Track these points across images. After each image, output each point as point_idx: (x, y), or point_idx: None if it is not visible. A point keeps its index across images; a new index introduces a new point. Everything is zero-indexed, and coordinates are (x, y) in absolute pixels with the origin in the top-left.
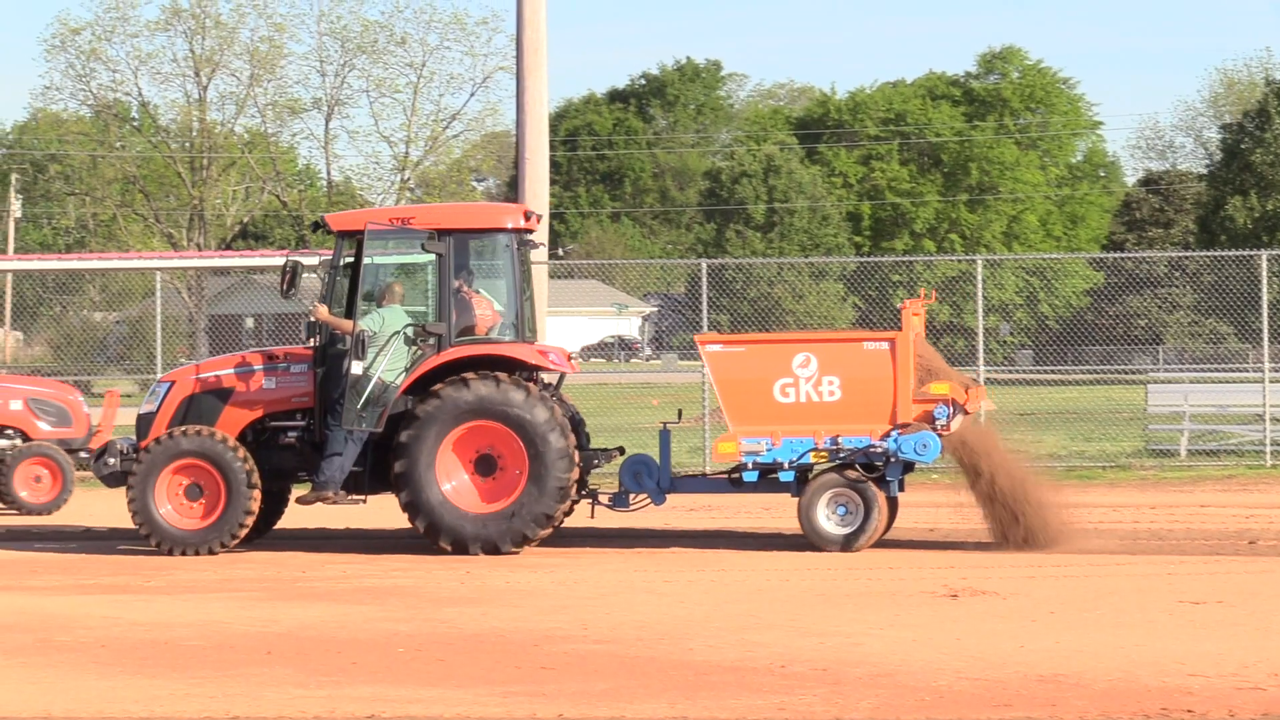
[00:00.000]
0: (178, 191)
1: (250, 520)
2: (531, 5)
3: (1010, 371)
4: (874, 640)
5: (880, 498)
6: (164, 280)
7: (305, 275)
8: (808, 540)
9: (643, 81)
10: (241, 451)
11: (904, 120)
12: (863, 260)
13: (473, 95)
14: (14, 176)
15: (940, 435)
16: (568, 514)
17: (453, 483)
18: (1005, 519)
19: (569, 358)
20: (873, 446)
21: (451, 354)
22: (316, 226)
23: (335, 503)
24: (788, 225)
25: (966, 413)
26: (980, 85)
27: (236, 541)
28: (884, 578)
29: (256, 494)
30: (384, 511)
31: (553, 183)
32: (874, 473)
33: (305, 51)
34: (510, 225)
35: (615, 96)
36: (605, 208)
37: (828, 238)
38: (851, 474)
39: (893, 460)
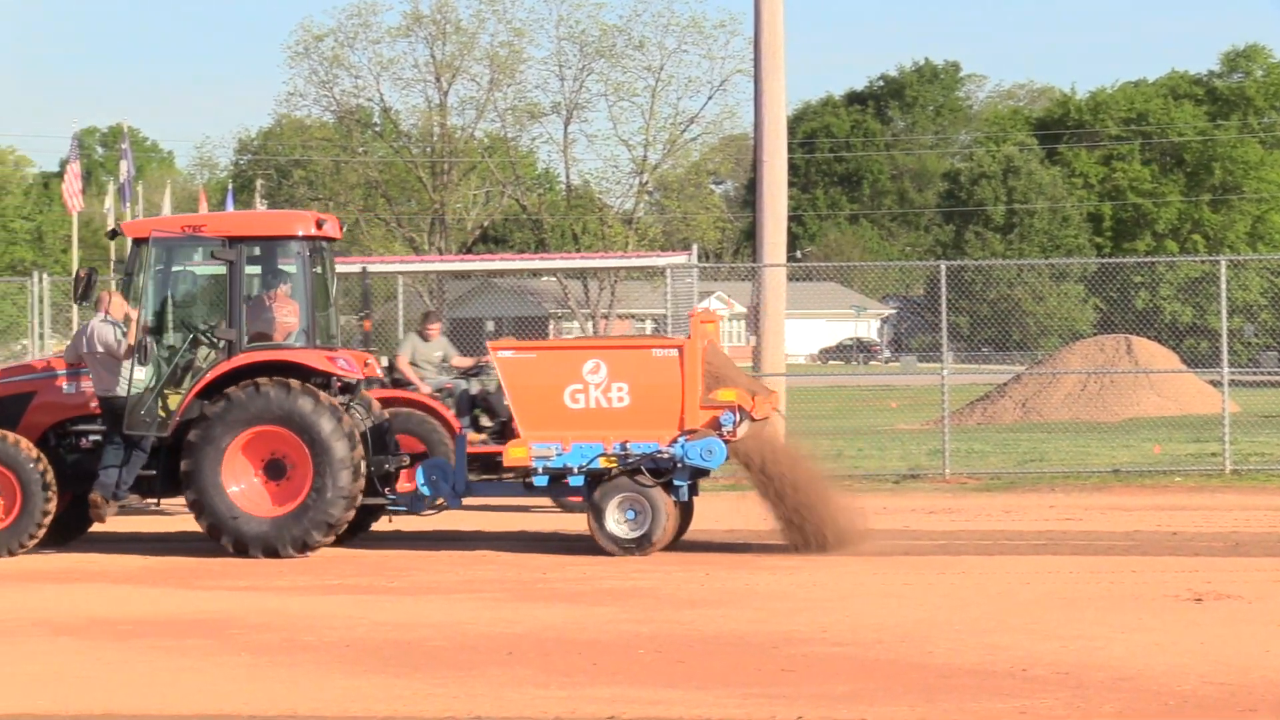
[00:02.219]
0: (419, 196)
1: (47, 522)
2: (769, 8)
3: (1255, 374)
4: (1116, 644)
5: (667, 503)
6: (405, 284)
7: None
8: (595, 543)
9: (881, 83)
10: (35, 454)
11: (1146, 120)
12: (1104, 261)
13: (710, 98)
14: (259, 182)
15: (726, 441)
16: (368, 520)
17: (240, 485)
18: (794, 521)
19: (364, 363)
20: (660, 452)
21: (241, 360)
22: (113, 234)
23: (102, 517)
24: (1027, 226)
25: (753, 419)
26: (1223, 84)
27: (34, 543)
28: (1127, 581)
29: (53, 496)
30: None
31: (791, 185)
32: (662, 478)
33: (544, 56)
34: (300, 233)
35: (853, 98)
36: (843, 210)
37: (1068, 239)
38: (641, 479)
39: (679, 466)
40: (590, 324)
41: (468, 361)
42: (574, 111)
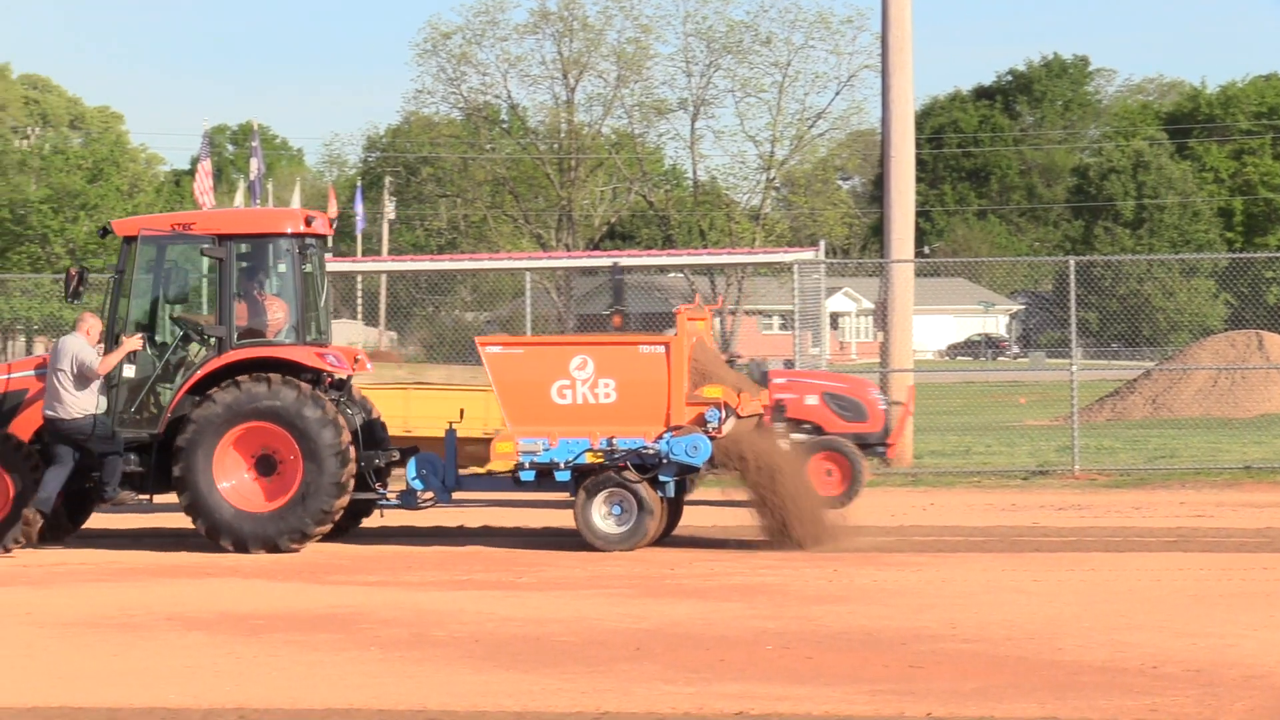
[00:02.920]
0: (546, 192)
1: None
2: (897, 3)
3: None
4: (1248, 641)
5: (654, 498)
6: (533, 280)
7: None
8: (583, 539)
9: (1009, 78)
10: (28, 451)
11: (1277, 114)
12: (1235, 256)
13: (838, 94)
14: (387, 179)
15: (712, 438)
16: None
17: (232, 482)
18: (775, 517)
19: (355, 359)
20: (645, 448)
21: (231, 357)
22: (105, 232)
23: (31, 536)
24: (1157, 221)
25: (739, 416)
26: None
27: (28, 540)
28: (1258, 578)
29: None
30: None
31: (919, 181)
32: (648, 473)
33: (671, 52)
34: (290, 230)
35: (981, 93)
36: (971, 205)
37: (1198, 234)
38: (627, 475)
39: (665, 462)
40: (718, 320)
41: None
42: (701, 107)
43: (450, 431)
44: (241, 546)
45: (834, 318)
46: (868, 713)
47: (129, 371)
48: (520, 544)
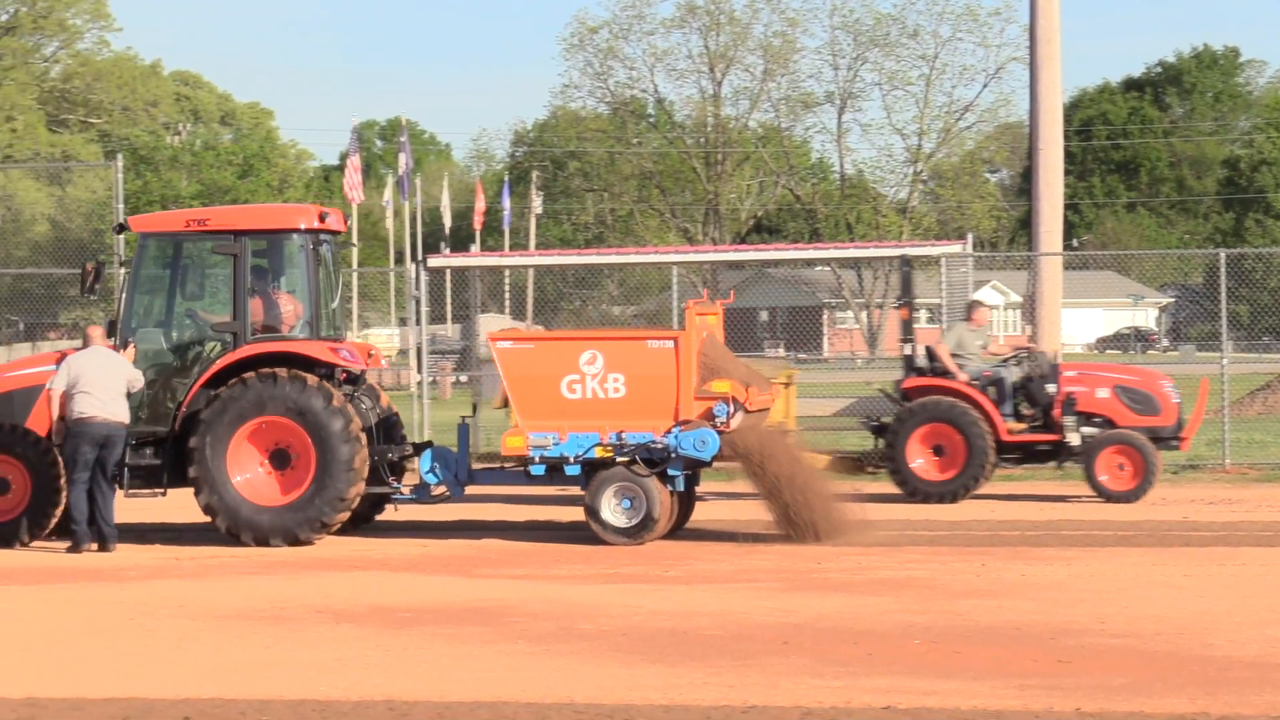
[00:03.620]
0: (693, 186)
1: (57, 512)
2: None
3: None
4: None
5: (663, 492)
6: (680, 274)
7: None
8: (592, 532)
9: (1158, 70)
10: (45, 446)
11: None
12: None
13: (985, 86)
14: (535, 174)
15: (720, 432)
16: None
17: (247, 477)
18: (788, 512)
19: (369, 354)
20: (654, 442)
21: (245, 352)
22: (121, 228)
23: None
24: None
25: (747, 411)
26: None
27: (44, 533)
28: None
29: (63, 487)
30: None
31: (1067, 173)
32: (657, 468)
33: (818, 46)
34: (303, 226)
35: (1130, 85)
36: (1120, 198)
37: None
38: (636, 469)
39: (673, 456)
40: (865, 314)
41: (1005, 349)
42: (848, 101)
43: (463, 425)
44: (263, 540)
45: None
46: (1016, 707)
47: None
48: (664, 538)
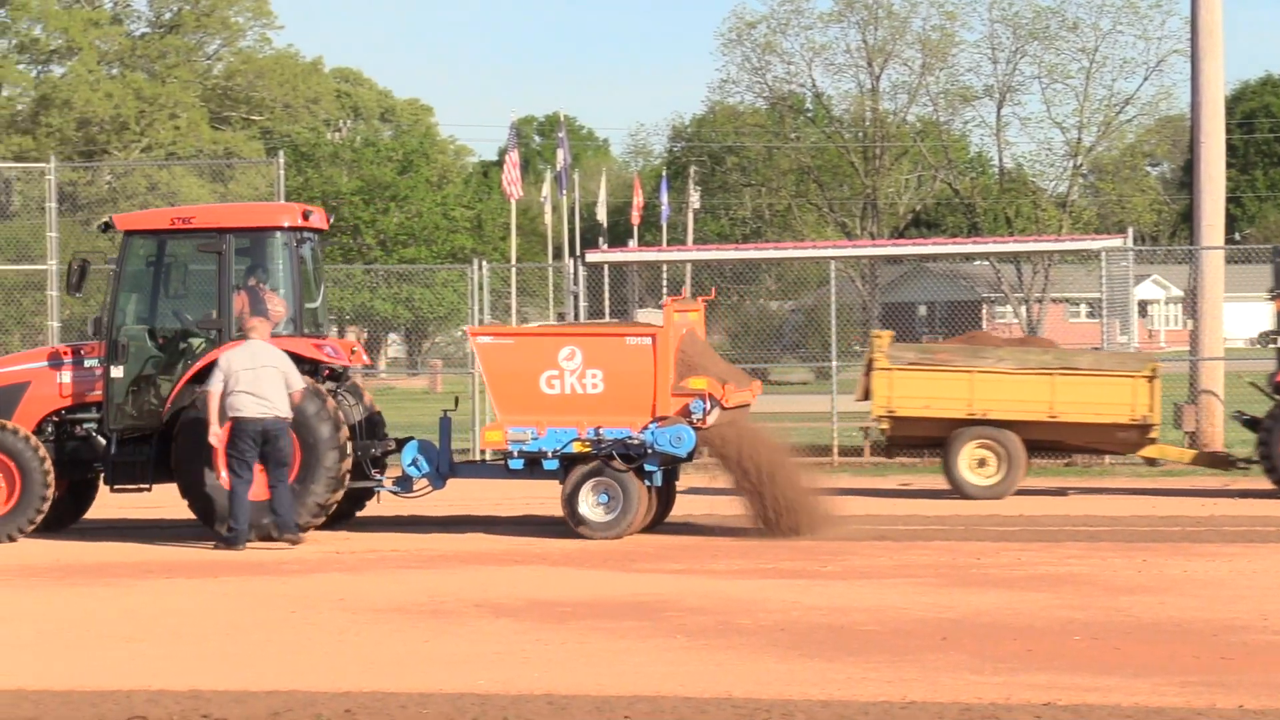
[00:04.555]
0: (851, 181)
1: (45, 508)
2: None
3: None
4: None
5: (640, 487)
6: (838, 269)
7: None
8: (569, 527)
9: None
10: (34, 442)
11: None
12: None
13: (1146, 79)
14: (692, 169)
15: (696, 429)
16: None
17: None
18: (765, 507)
19: (351, 351)
20: (631, 438)
21: (230, 348)
22: (106, 227)
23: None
24: None
25: (724, 408)
26: None
27: (33, 529)
28: None
29: (51, 483)
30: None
31: (1229, 166)
32: (634, 463)
33: (976, 39)
34: (286, 224)
35: None
36: None
37: None
38: (614, 464)
39: (650, 452)
40: (1024, 308)
41: None
42: (1007, 94)
43: (444, 419)
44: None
45: (1142, 305)
46: (1178, 704)
47: (118, 372)
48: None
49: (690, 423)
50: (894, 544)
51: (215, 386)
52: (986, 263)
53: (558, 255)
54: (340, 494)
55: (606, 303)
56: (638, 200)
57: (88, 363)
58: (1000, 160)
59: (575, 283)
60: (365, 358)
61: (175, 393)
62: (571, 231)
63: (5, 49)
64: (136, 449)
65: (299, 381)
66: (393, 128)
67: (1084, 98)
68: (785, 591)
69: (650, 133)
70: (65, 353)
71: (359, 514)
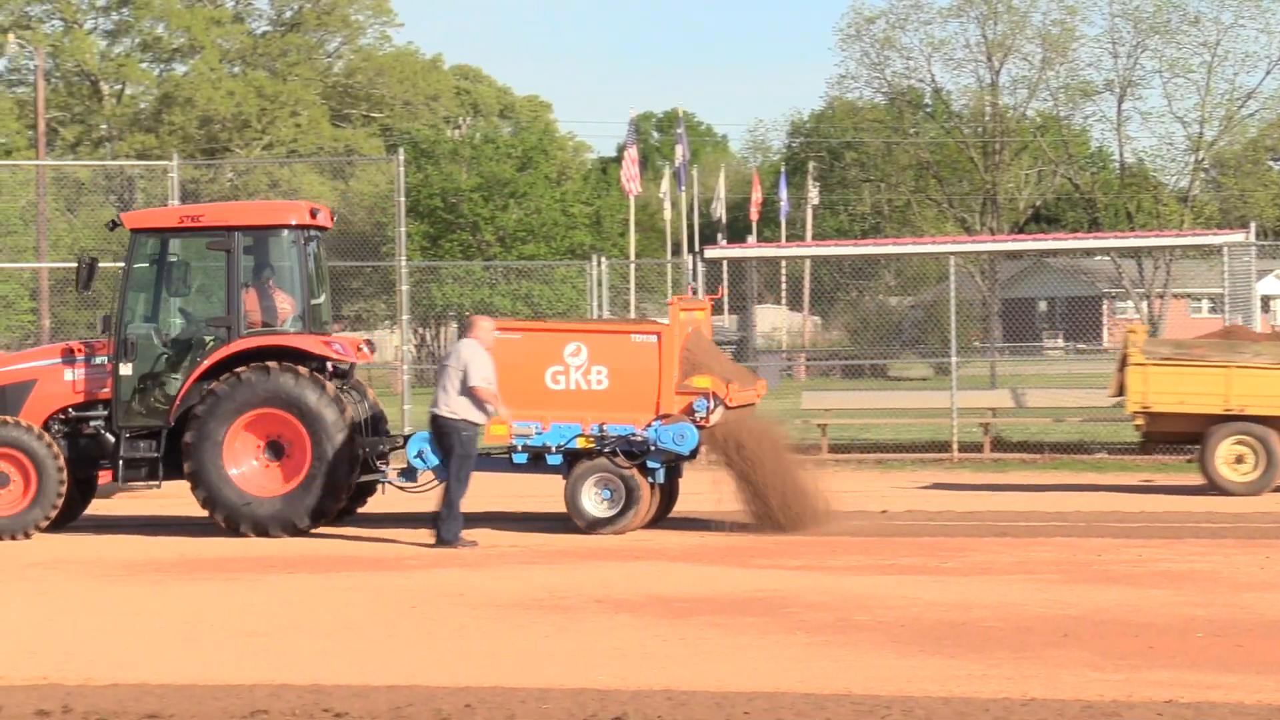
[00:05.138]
0: (970, 176)
1: (60, 503)
2: None
3: None
4: None
5: (643, 484)
6: (957, 264)
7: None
8: (571, 520)
9: None
10: (48, 439)
11: None
12: None
13: (1268, 74)
14: (811, 164)
15: (699, 427)
16: (369, 493)
17: (243, 470)
18: (762, 505)
19: (358, 347)
20: (634, 435)
21: (240, 345)
22: (114, 225)
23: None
24: None
25: (728, 407)
26: None
27: (48, 524)
28: None
29: (65, 479)
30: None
31: None
32: (637, 460)
33: (1097, 34)
34: (294, 221)
35: None
36: None
37: None
38: (617, 460)
39: (653, 449)
40: (1145, 304)
41: None
42: (1127, 89)
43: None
44: (262, 531)
45: (1265, 300)
46: None
47: (127, 369)
48: (940, 529)
49: (693, 421)
50: (1014, 540)
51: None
52: (1107, 258)
53: (676, 251)
54: (357, 474)
55: (725, 298)
56: (756, 196)
57: (95, 360)
58: (1121, 155)
59: (694, 279)
60: (371, 355)
61: (184, 391)
62: (690, 227)
63: (129, 48)
64: (146, 446)
65: (475, 378)
66: (512, 124)
67: (1205, 92)
68: (905, 587)
69: (769, 128)
70: (73, 350)
71: (359, 509)
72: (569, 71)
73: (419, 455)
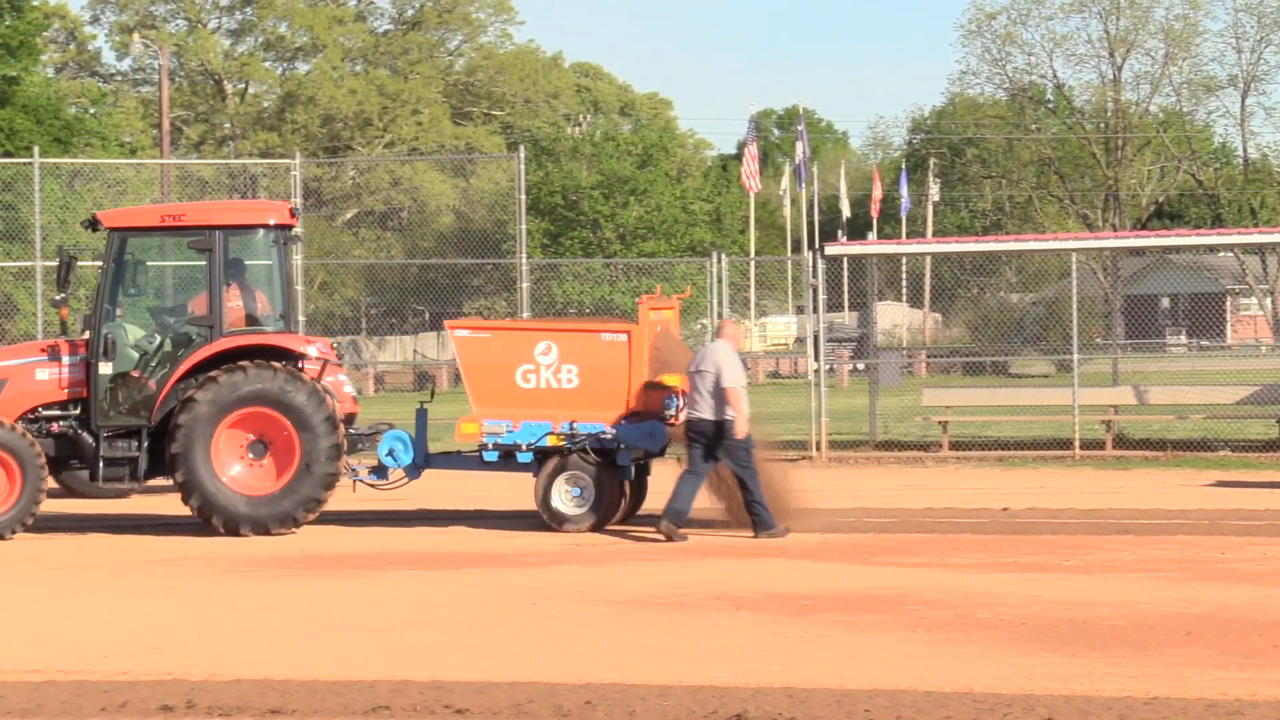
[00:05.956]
0: (1092, 172)
1: (43, 499)
2: None
3: None
4: None
5: (613, 482)
6: (1079, 261)
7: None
8: (542, 519)
9: None
10: (29, 437)
11: None
12: None
13: None
14: (932, 161)
15: (669, 425)
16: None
17: (233, 471)
18: (734, 503)
19: (331, 347)
20: (604, 433)
21: (222, 345)
22: (93, 225)
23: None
24: None
25: None
26: None
27: (32, 521)
28: None
29: (47, 476)
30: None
31: None
32: (607, 457)
33: (1220, 28)
34: (274, 221)
35: None
36: None
37: None
38: (587, 458)
39: (623, 447)
40: (1269, 300)
41: None
42: (1251, 84)
43: (421, 410)
44: (233, 529)
45: None
46: None
47: (106, 369)
48: (1061, 527)
49: (663, 418)
50: (1137, 538)
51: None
52: (1230, 254)
53: (796, 248)
54: (333, 488)
55: (845, 295)
56: (877, 193)
57: (68, 359)
58: (1245, 150)
59: (814, 275)
60: (336, 360)
61: (167, 391)
62: (810, 224)
63: (252, 47)
64: (126, 446)
65: (727, 379)
66: (632, 122)
67: None
68: (1026, 585)
69: (889, 125)
70: (47, 349)
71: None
72: (689, 69)
73: (390, 453)
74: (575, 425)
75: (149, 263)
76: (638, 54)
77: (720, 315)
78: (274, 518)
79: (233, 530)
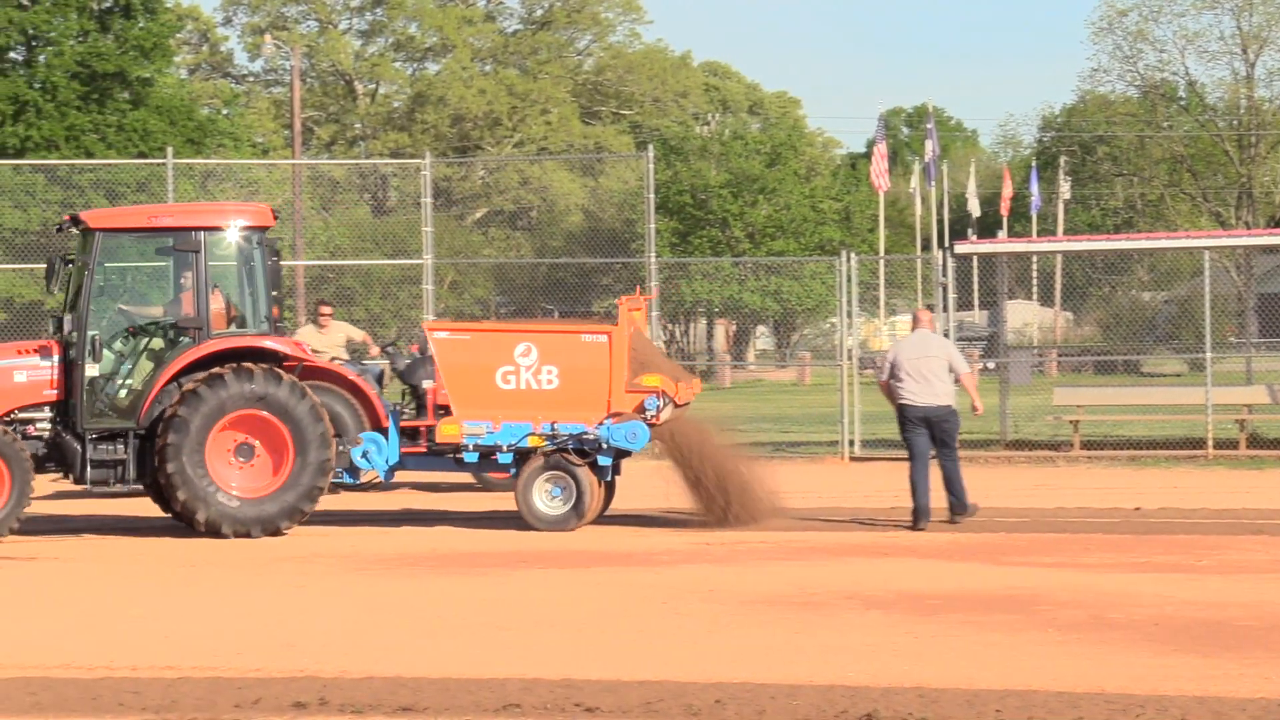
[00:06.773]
0: (1225, 170)
1: (30, 503)
2: None
3: None
4: None
5: (592, 481)
6: (1212, 259)
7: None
8: (523, 519)
9: None
10: (14, 437)
11: None
12: None
13: None
14: (1063, 159)
15: (650, 425)
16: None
17: (223, 474)
18: (711, 501)
19: (303, 349)
20: (586, 433)
21: (209, 347)
22: (76, 222)
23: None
24: None
25: (676, 405)
26: None
27: (17, 527)
28: None
29: (33, 476)
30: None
31: None
32: (588, 458)
33: None
34: (257, 223)
35: None
36: None
37: None
38: (568, 458)
39: (604, 447)
40: None
41: None
42: None
43: (394, 412)
44: (244, 533)
45: None
46: None
47: (92, 371)
48: (1194, 527)
49: (644, 419)
50: (1271, 538)
51: (882, 376)
52: None
53: (926, 247)
54: (326, 484)
55: (975, 294)
56: (1007, 191)
57: (44, 361)
58: None
59: (944, 274)
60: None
61: (155, 393)
62: (940, 223)
63: (382, 48)
64: (111, 449)
65: (962, 365)
66: (761, 120)
67: None
68: (1158, 585)
69: (1020, 123)
70: (21, 351)
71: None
72: (818, 67)
73: (364, 454)
74: (556, 426)
75: (132, 264)
76: (766, 53)
77: (849, 315)
78: (261, 520)
79: (223, 534)
